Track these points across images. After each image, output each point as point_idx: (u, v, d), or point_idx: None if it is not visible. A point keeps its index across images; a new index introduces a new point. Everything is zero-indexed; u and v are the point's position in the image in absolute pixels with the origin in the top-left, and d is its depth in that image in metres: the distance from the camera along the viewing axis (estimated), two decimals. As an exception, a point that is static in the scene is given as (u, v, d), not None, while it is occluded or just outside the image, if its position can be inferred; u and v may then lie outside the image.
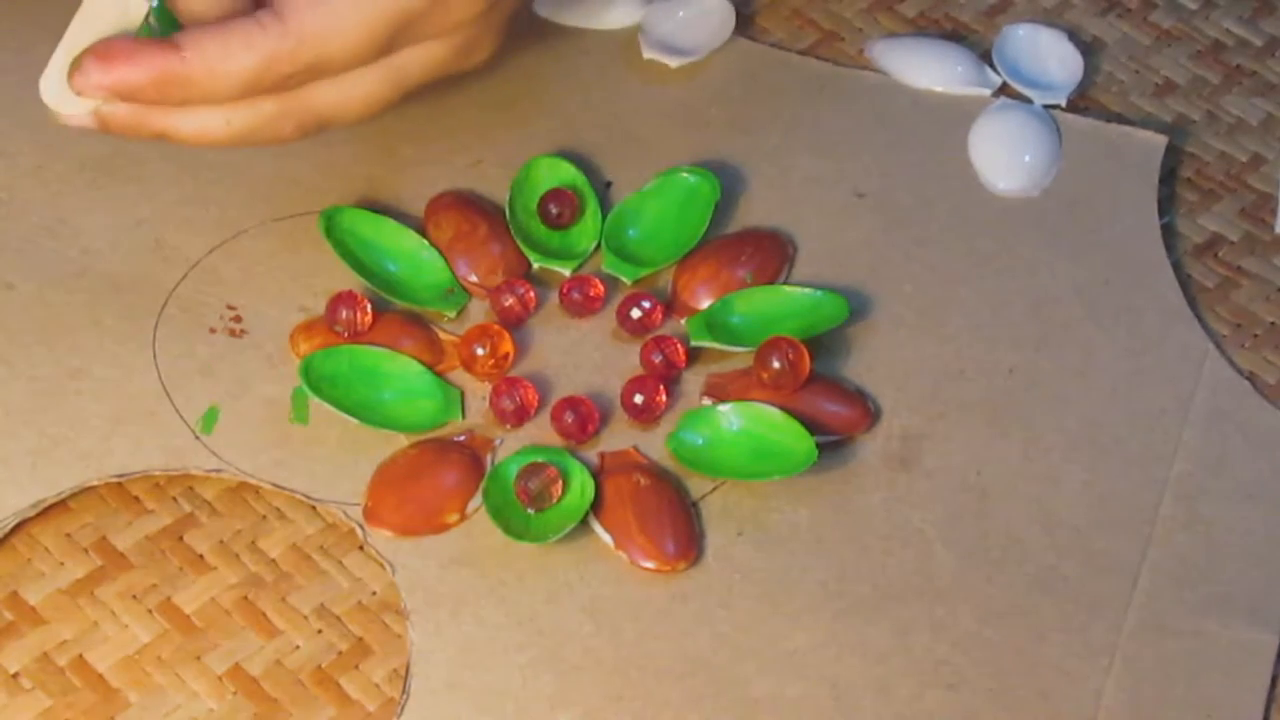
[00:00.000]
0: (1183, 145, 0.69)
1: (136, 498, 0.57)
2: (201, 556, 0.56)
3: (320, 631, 0.55)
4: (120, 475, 0.57)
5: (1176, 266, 0.65)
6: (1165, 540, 0.58)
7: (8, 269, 0.62)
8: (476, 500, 0.57)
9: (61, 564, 0.56)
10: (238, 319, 0.61)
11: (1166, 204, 0.67)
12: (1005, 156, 0.67)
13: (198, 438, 0.58)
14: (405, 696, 0.53)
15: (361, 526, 0.57)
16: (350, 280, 0.61)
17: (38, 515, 0.56)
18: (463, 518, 0.57)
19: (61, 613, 0.55)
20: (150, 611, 0.55)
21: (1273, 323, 0.65)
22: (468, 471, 0.58)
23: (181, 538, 0.57)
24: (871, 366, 0.62)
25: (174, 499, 0.57)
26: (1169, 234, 0.66)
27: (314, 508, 0.57)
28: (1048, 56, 0.71)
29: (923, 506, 0.59)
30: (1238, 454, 0.60)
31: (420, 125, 0.67)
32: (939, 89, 0.70)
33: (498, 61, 0.69)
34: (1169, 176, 0.68)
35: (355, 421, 0.58)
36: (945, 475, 0.59)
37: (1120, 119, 0.70)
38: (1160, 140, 0.68)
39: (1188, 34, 0.73)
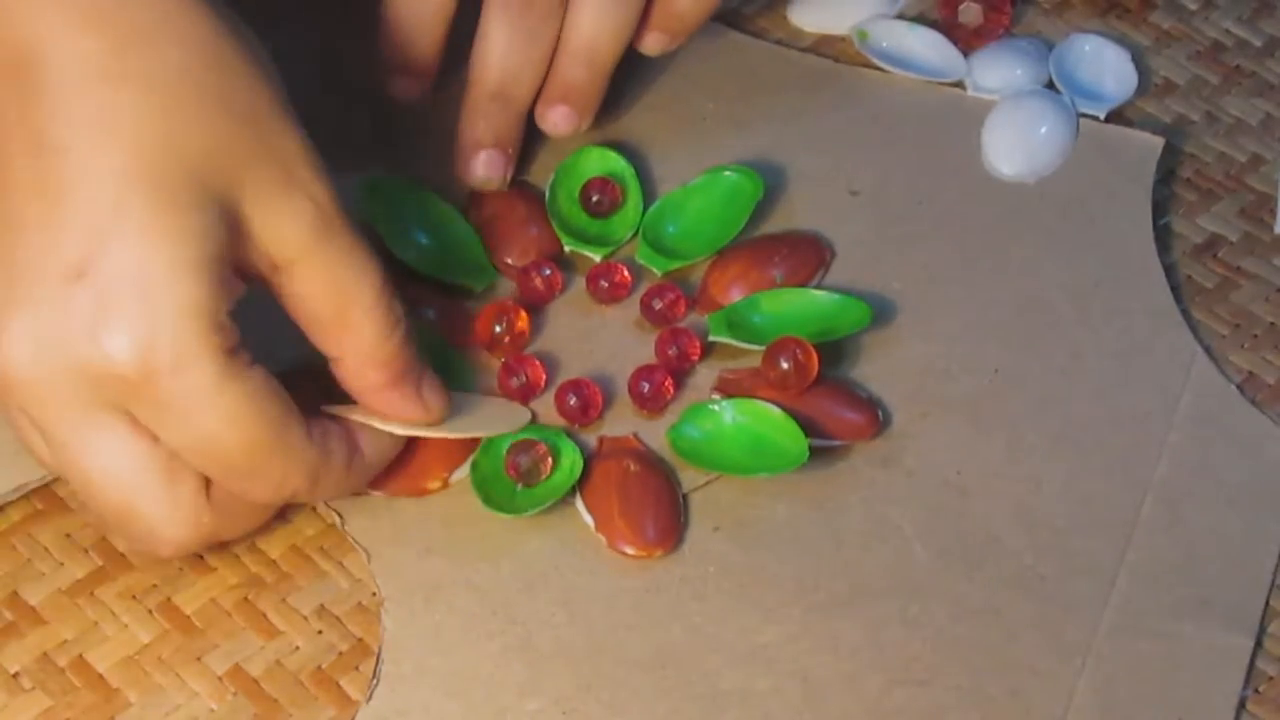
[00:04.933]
0: (1182, 145, 0.69)
1: (137, 497, 0.58)
2: (201, 556, 0.56)
3: (320, 632, 0.55)
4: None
5: (1175, 267, 0.65)
6: (1145, 542, 0.58)
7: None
8: (461, 472, 0.58)
9: (61, 564, 0.56)
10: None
11: (1165, 204, 0.67)
12: (1012, 138, 0.67)
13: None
14: (375, 681, 0.54)
15: (339, 515, 0.57)
16: (378, 248, 0.60)
17: (37, 515, 0.57)
18: (444, 485, 0.58)
19: (61, 613, 0.55)
20: (150, 611, 0.55)
21: (1272, 323, 0.64)
22: (460, 441, 0.58)
23: (181, 538, 0.57)
24: (856, 364, 0.62)
25: (174, 499, 0.58)
26: (1168, 234, 0.66)
27: (314, 507, 0.57)
28: (1104, 71, 0.70)
29: (902, 504, 0.59)
30: (1221, 458, 0.60)
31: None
32: (936, 86, 0.69)
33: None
34: (1168, 177, 0.68)
35: None
36: (926, 474, 0.59)
37: (1119, 119, 0.69)
38: (1157, 142, 0.68)
39: (1187, 34, 0.73)
